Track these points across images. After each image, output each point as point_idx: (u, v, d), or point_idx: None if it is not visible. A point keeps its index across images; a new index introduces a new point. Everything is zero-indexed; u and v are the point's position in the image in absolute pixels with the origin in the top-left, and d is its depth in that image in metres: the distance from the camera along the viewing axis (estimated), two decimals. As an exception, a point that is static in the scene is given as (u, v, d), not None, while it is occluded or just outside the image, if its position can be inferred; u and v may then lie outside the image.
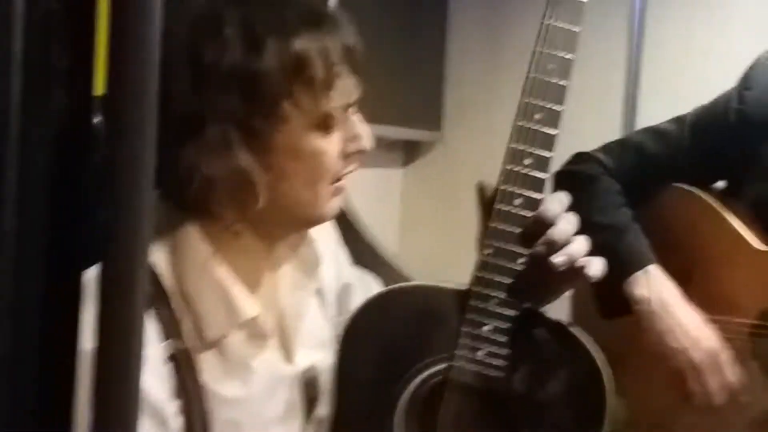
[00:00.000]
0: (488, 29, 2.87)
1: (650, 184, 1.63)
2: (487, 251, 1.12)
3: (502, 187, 1.11)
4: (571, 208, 1.52)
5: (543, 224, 1.07)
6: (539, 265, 1.07)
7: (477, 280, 1.12)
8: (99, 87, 0.83)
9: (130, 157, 0.68)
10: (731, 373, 1.51)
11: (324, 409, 1.18)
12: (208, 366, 1.06)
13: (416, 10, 2.78)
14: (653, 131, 1.67)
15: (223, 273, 1.06)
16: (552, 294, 1.15)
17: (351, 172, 1.11)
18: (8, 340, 0.74)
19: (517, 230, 1.11)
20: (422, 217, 2.94)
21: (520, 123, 1.11)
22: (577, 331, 1.16)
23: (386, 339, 1.15)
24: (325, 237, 1.25)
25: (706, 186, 1.62)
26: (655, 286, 1.56)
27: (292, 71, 0.98)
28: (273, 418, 1.13)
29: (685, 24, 2.53)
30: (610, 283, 1.49)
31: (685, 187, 1.61)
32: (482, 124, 2.83)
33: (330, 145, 1.05)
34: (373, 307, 1.15)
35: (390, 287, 1.18)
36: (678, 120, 1.66)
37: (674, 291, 1.55)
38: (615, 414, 1.62)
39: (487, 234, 1.12)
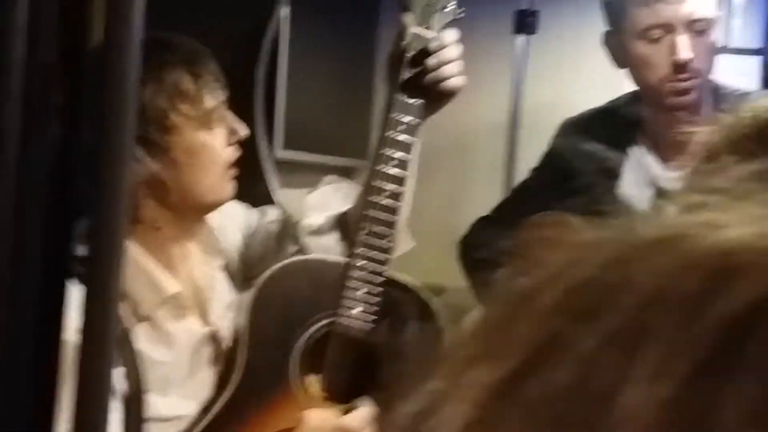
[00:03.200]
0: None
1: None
2: (364, 232, 1.27)
3: (372, 183, 1.27)
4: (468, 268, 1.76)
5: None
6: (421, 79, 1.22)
7: (355, 255, 1.28)
8: None
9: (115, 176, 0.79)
10: None
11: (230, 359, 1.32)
12: (141, 337, 1.20)
13: (346, 48, 2.85)
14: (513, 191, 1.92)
15: (150, 263, 1.22)
16: (434, 103, 1.27)
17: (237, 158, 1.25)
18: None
19: (384, 218, 1.25)
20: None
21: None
22: (423, 290, 1.35)
23: (285, 300, 1.29)
24: (228, 213, 1.39)
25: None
26: None
27: (170, 93, 1.15)
28: (193, 368, 1.26)
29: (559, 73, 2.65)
30: None
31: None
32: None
33: (215, 138, 1.22)
34: (276, 275, 1.29)
35: (290, 260, 1.33)
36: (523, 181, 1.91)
37: None
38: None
39: (363, 219, 1.27)
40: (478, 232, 1.82)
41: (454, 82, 1.24)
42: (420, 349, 1.27)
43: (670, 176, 1.61)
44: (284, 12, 2.32)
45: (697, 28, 1.57)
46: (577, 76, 2.59)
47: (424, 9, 1.23)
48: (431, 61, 1.21)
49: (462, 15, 1.28)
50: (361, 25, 2.95)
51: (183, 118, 1.17)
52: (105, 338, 0.80)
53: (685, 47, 1.56)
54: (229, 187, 1.26)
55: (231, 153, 1.25)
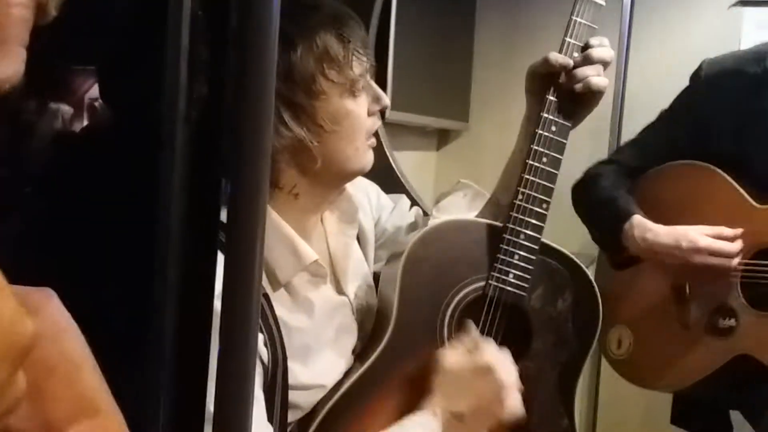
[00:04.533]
0: (509, 38, 2.96)
1: (654, 164, 1.77)
2: (519, 197, 1.23)
3: (534, 147, 1.23)
4: (583, 201, 1.74)
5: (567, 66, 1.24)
6: (566, 87, 1.23)
7: (511, 219, 1.23)
8: None
9: (255, 134, 0.77)
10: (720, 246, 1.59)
11: (366, 329, 1.28)
12: (280, 303, 1.16)
13: (447, 20, 2.87)
14: (647, 129, 1.82)
15: (288, 230, 1.17)
16: (581, 111, 1.26)
17: (378, 127, 1.22)
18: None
19: (542, 183, 1.23)
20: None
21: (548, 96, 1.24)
22: (575, 258, 1.30)
23: (437, 262, 1.23)
24: (363, 189, 1.37)
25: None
26: (638, 229, 1.67)
27: (319, 57, 1.12)
28: (333, 339, 1.23)
29: (665, 38, 2.59)
30: (612, 241, 1.65)
31: (695, 162, 1.72)
32: (502, 117, 2.94)
33: (359, 106, 1.17)
34: (428, 237, 1.24)
35: (441, 221, 1.28)
36: (659, 118, 1.82)
37: (664, 229, 1.65)
38: (618, 339, 1.76)
39: (521, 183, 1.23)
40: (598, 172, 1.80)
41: (602, 83, 1.24)
42: (574, 317, 1.27)
43: None
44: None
45: None
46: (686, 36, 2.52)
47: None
48: (585, 71, 1.22)
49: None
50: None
51: (330, 84, 1.13)
52: (247, 306, 0.77)
53: None
54: (370, 156, 1.21)
55: (373, 122, 1.21)
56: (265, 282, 1.14)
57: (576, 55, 1.24)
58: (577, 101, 1.24)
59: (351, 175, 1.22)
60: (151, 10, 0.78)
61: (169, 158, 0.78)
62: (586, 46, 1.24)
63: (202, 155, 0.79)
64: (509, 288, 1.23)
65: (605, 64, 1.24)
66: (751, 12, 2.46)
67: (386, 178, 1.42)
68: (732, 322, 1.66)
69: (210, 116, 0.79)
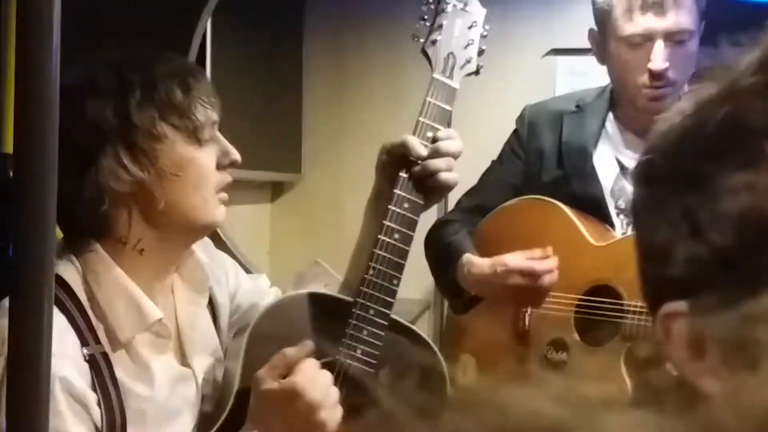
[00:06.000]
0: (338, 87, 2.96)
1: (492, 204, 1.81)
2: (370, 272, 1.23)
3: (387, 224, 1.24)
4: (428, 251, 1.79)
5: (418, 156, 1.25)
6: (420, 177, 1.25)
7: (361, 294, 1.23)
8: (8, 146, 0.81)
9: (38, 203, 0.69)
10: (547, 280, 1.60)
11: (209, 405, 1.23)
12: (120, 365, 1.12)
13: (275, 76, 2.82)
14: (482, 175, 1.88)
15: (132, 286, 1.13)
16: (433, 197, 1.27)
17: (228, 183, 1.20)
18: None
19: (394, 258, 1.23)
20: (288, 244, 2.98)
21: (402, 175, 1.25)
22: (423, 335, 1.32)
23: (284, 335, 1.20)
24: (220, 263, 1.33)
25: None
26: (467, 266, 1.68)
27: (160, 101, 1.11)
28: (172, 411, 1.18)
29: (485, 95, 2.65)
30: (449, 283, 1.63)
31: (537, 196, 1.76)
32: (334, 166, 2.93)
33: (204, 156, 1.15)
34: (275, 309, 1.22)
35: (287, 294, 1.26)
36: (491, 163, 1.89)
37: (482, 260, 1.66)
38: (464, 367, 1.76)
39: (372, 258, 1.24)
40: (442, 223, 1.84)
41: (452, 180, 1.26)
42: (421, 386, 1.25)
43: (634, 157, 1.63)
44: (206, 28, 2.20)
45: (677, 38, 1.60)
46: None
47: (445, 60, 1.27)
48: (436, 164, 1.24)
49: (480, 71, 1.30)
50: (287, 39, 2.88)
51: (172, 129, 1.11)
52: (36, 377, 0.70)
53: (660, 57, 1.59)
54: (219, 211, 1.17)
55: (223, 176, 1.17)
56: (104, 341, 1.11)
57: (429, 134, 1.25)
58: (428, 187, 1.26)
59: (199, 229, 1.18)
60: None
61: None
62: (434, 139, 1.26)
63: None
64: (357, 363, 1.22)
65: (454, 156, 1.25)
66: (563, 60, 2.58)
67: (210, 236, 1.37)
68: (563, 356, 1.68)
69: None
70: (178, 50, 1.47)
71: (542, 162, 1.77)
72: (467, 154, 1.25)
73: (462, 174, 1.86)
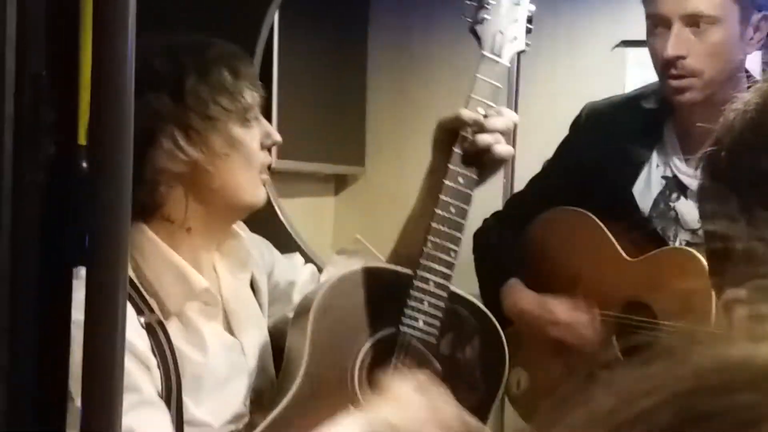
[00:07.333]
0: (402, 81, 2.95)
1: (534, 213, 1.73)
2: (428, 245, 1.24)
3: (443, 198, 1.25)
4: (476, 254, 1.72)
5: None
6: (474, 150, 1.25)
7: (421, 266, 1.24)
8: (82, 138, 0.82)
9: (113, 195, 0.70)
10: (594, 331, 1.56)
11: (262, 378, 1.27)
12: (174, 332, 1.17)
13: (340, 69, 2.82)
14: (532, 179, 1.80)
15: (178, 258, 1.18)
16: (487, 171, 1.27)
17: (270, 164, 1.27)
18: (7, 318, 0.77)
19: (450, 232, 1.24)
20: (352, 238, 2.97)
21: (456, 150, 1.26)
22: (482, 307, 1.33)
23: (348, 310, 1.24)
24: (256, 244, 1.36)
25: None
26: (512, 295, 1.62)
27: (212, 84, 1.17)
28: (224, 378, 1.22)
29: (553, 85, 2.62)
30: (493, 300, 1.59)
31: (575, 209, 1.66)
32: (397, 160, 2.91)
33: (251, 137, 1.21)
34: (339, 285, 1.25)
35: (352, 269, 1.28)
36: (543, 167, 1.80)
37: (530, 298, 1.61)
38: (517, 380, 1.74)
39: (429, 232, 1.24)
40: (489, 227, 1.74)
41: (504, 152, 1.25)
42: (481, 363, 1.29)
43: (688, 171, 1.52)
44: (273, 21, 2.21)
45: (698, 23, 1.43)
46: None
47: (493, 38, 1.27)
48: (484, 138, 1.24)
49: (529, 47, 1.30)
50: (352, 33, 2.88)
51: (222, 110, 1.17)
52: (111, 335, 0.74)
53: (673, 43, 1.43)
54: (262, 191, 1.24)
55: (264, 156, 1.24)
56: (157, 311, 1.15)
57: (480, 110, 1.26)
58: (481, 162, 1.26)
59: (244, 208, 1.24)
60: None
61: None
62: (485, 116, 1.26)
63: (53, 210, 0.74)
64: (419, 334, 1.24)
65: (502, 132, 1.26)
66: (633, 52, 2.51)
67: (272, 228, 1.39)
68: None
69: (60, 176, 0.74)
70: (246, 43, 1.48)
71: (596, 175, 1.63)
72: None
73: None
